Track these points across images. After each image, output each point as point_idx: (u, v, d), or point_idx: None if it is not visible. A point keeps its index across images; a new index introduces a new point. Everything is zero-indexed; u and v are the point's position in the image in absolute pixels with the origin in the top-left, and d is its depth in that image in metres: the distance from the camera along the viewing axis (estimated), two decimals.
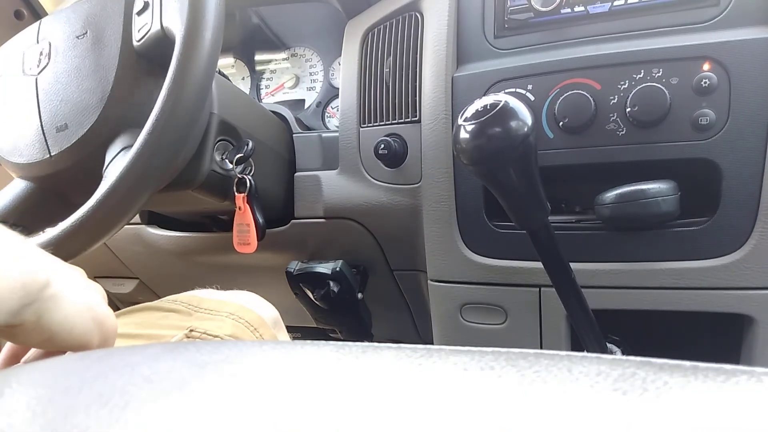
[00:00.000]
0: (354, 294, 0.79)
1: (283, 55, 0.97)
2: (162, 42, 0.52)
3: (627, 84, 0.55)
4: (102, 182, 0.50)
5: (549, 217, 0.47)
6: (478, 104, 0.42)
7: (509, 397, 0.15)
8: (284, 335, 0.57)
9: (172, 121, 0.47)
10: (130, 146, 0.51)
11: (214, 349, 0.22)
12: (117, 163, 0.52)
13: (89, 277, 0.34)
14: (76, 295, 0.30)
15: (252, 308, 0.52)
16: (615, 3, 0.59)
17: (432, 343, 0.63)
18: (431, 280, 0.68)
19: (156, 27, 0.52)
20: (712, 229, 0.54)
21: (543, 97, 0.58)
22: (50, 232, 0.48)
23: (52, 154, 0.57)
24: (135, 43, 0.55)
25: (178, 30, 0.48)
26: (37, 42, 0.61)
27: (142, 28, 0.54)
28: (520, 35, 0.63)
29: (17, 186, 0.61)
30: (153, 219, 0.88)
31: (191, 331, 0.46)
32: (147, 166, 0.47)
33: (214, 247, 0.84)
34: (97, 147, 0.55)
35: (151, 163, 0.47)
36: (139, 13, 0.55)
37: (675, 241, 0.56)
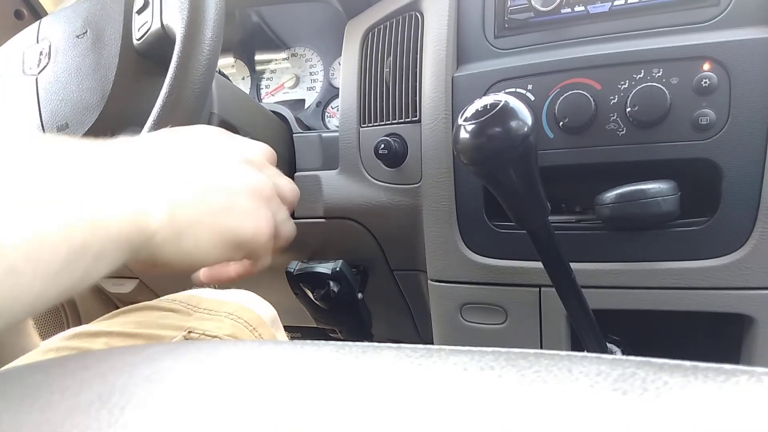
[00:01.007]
0: (354, 294, 0.79)
1: (283, 54, 0.97)
2: (162, 40, 0.52)
3: (627, 84, 0.55)
4: None
5: (549, 217, 0.47)
6: (478, 104, 0.42)
7: (509, 397, 0.15)
8: (282, 334, 0.57)
9: (173, 118, 0.47)
10: None
11: (214, 349, 0.22)
12: None
13: None
14: (203, 225, 0.27)
15: (251, 308, 0.52)
16: (615, 3, 0.59)
17: (432, 343, 0.63)
18: (431, 280, 0.68)
19: (156, 25, 0.52)
20: (712, 229, 0.54)
21: (543, 96, 0.58)
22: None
23: None
24: (135, 42, 0.55)
25: (178, 28, 0.48)
26: (37, 42, 0.61)
27: (142, 26, 0.54)
28: (520, 35, 0.63)
29: None
30: None
31: (190, 332, 0.46)
32: None
33: None
34: None
35: None
36: (139, 12, 0.55)
37: (675, 241, 0.56)
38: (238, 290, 0.57)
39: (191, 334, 0.45)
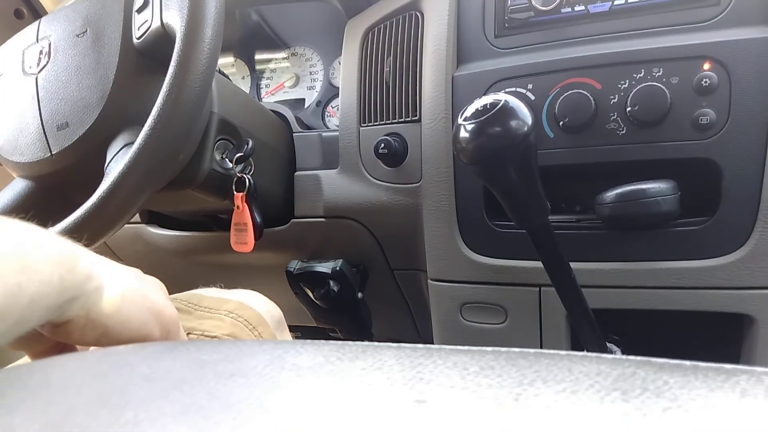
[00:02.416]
0: (354, 293, 0.79)
1: (283, 54, 0.97)
2: (162, 39, 0.52)
3: (627, 83, 0.55)
4: (104, 179, 0.50)
5: (549, 217, 0.47)
6: (478, 103, 0.42)
7: (509, 397, 0.15)
8: (286, 335, 0.57)
9: (174, 117, 0.47)
10: (131, 143, 0.51)
11: (214, 349, 0.22)
12: (119, 160, 0.52)
13: None
14: (126, 286, 0.29)
15: (252, 306, 0.52)
16: (615, 2, 0.59)
17: (432, 343, 0.63)
18: (431, 280, 0.68)
19: (156, 23, 0.52)
20: (712, 229, 0.54)
21: (543, 96, 0.58)
22: (52, 230, 0.48)
23: (53, 152, 0.57)
24: (135, 41, 0.55)
25: (178, 26, 0.48)
26: (37, 41, 0.61)
27: (142, 25, 0.54)
28: (520, 34, 0.63)
29: (18, 185, 0.61)
30: (153, 218, 0.88)
31: (188, 334, 0.45)
32: (149, 162, 0.47)
33: (214, 247, 0.84)
34: (98, 145, 0.55)
35: (153, 159, 0.47)
36: (139, 11, 0.55)
37: (675, 240, 0.56)
38: (243, 290, 0.56)
39: (189, 336, 0.45)
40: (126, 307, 0.28)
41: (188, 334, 0.45)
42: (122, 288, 0.29)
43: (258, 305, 0.53)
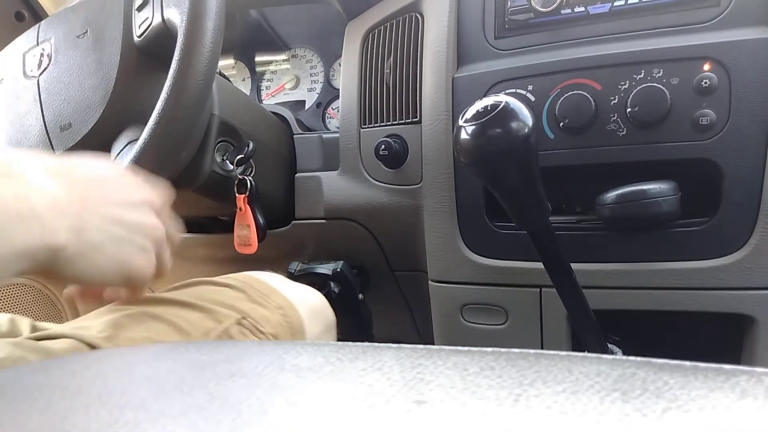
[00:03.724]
0: (355, 294, 0.79)
1: (283, 56, 0.97)
2: (163, 35, 0.53)
3: (627, 84, 0.55)
4: None
5: (550, 218, 0.47)
6: (479, 105, 0.42)
7: (509, 397, 0.15)
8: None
9: (179, 108, 0.47)
10: (135, 140, 0.51)
11: (214, 349, 0.22)
12: (124, 156, 0.52)
13: None
14: (103, 251, 0.32)
15: (300, 311, 0.50)
16: (615, 3, 0.59)
17: (432, 344, 0.63)
18: (432, 281, 0.68)
19: (157, 20, 0.52)
20: (712, 230, 0.54)
21: (543, 97, 0.58)
22: None
23: (56, 153, 0.57)
24: (136, 39, 0.55)
25: (179, 20, 0.48)
26: (37, 44, 0.61)
27: (143, 23, 0.54)
28: (520, 36, 0.63)
29: None
30: None
31: (243, 318, 0.44)
32: (157, 154, 0.47)
33: (214, 248, 0.84)
34: (101, 144, 0.56)
35: (159, 152, 0.47)
36: (139, 9, 0.55)
37: (675, 241, 0.56)
38: (303, 286, 0.54)
39: (243, 321, 0.44)
40: (101, 269, 0.31)
41: (243, 319, 0.44)
42: (99, 253, 0.31)
43: (306, 310, 0.51)
